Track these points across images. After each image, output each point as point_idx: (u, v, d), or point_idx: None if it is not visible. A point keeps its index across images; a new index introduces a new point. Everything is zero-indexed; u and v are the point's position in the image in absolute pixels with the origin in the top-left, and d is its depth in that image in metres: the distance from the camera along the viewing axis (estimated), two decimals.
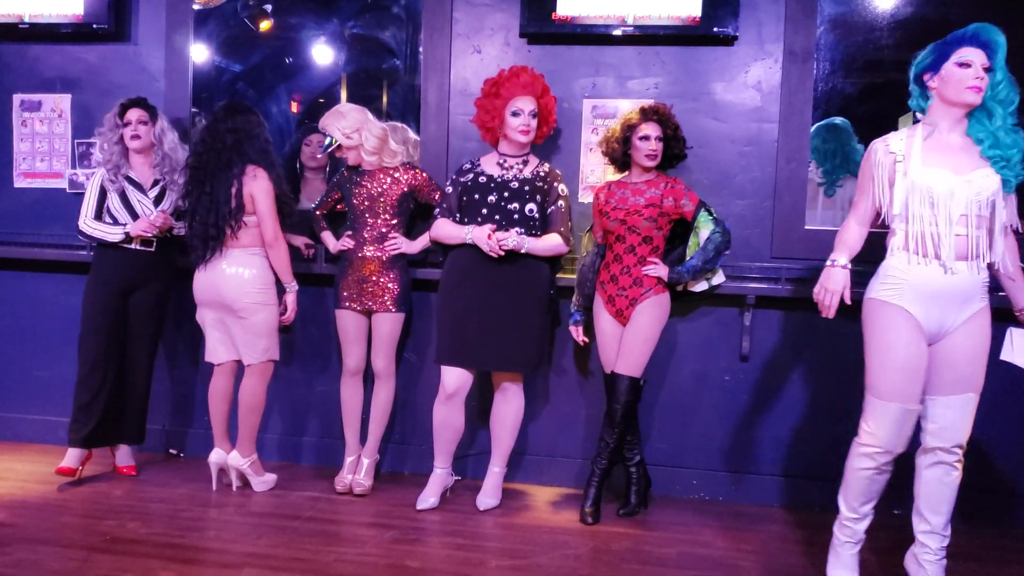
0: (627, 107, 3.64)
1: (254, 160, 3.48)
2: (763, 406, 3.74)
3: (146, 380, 3.81)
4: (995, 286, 2.80)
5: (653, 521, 3.49)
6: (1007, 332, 2.82)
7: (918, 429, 2.72)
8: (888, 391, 2.64)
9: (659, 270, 3.34)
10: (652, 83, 3.74)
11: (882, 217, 2.75)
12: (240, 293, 3.49)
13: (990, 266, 2.71)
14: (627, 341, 3.36)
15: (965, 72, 2.62)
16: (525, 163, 3.48)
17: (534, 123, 3.41)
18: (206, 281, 3.53)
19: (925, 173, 2.64)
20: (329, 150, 3.65)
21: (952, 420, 2.66)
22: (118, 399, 3.74)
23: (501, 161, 3.49)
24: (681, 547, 3.21)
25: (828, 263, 2.69)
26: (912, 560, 2.80)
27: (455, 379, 3.45)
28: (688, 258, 3.38)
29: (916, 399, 2.65)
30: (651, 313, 3.35)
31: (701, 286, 3.47)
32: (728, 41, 3.66)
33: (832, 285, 2.63)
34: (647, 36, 3.68)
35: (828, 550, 2.88)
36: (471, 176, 3.48)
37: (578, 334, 3.58)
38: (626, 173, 3.47)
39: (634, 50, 3.74)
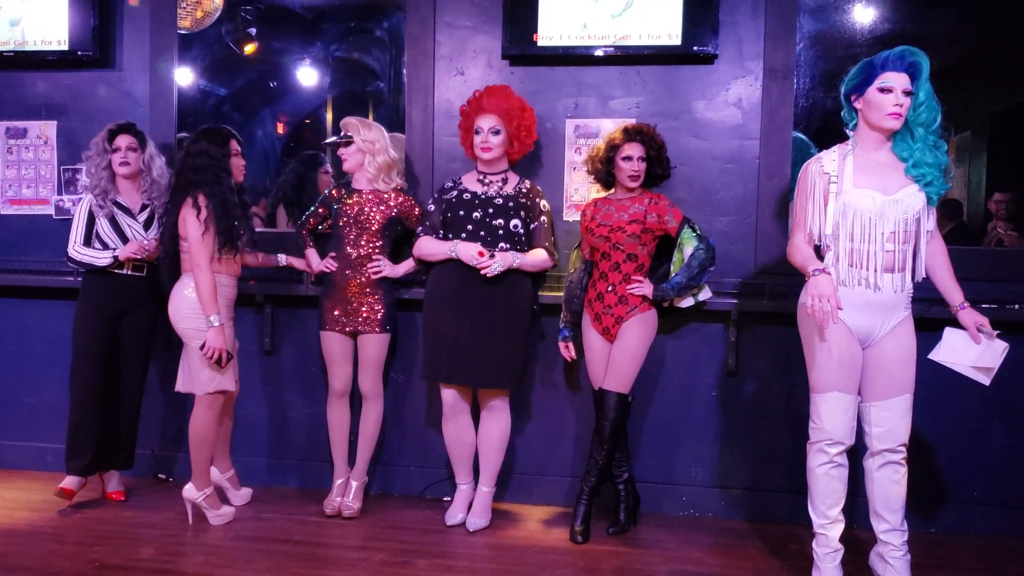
0: (609, 126, 3.67)
1: (201, 186, 3.36)
2: (750, 421, 3.75)
3: (137, 405, 3.81)
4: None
5: (643, 539, 3.49)
6: (944, 332, 2.94)
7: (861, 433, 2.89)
8: (826, 383, 2.82)
9: (644, 288, 3.36)
10: (634, 102, 3.77)
11: (817, 234, 2.87)
12: (179, 317, 3.41)
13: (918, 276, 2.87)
14: (615, 358, 3.38)
15: (886, 98, 2.74)
16: (505, 180, 3.53)
17: (494, 140, 3.45)
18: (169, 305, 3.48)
19: (857, 194, 2.77)
20: (335, 143, 3.61)
21: (894, 422, 2.83)
22: (111, 425, 3.74)
23: (481, 178, 3.54)
24: (672, 564, 3.21)
25: (810, 273, 2.73)
26: (877, 559, 2.94)
27: (451, 394, 3.52)
28: (673, 275, 3.40)
29: (852, 390, 2.82)
30: (637, 330, 3.37)
31: (687, 302, 3.49)
32: (708, 59, 3.70)
33: (823, 290, 2.66)
34: (628, 56, 3.71)
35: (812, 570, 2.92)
36: (454, 194, 3.52)
37: (567, 351, 3.59)
38: (612, 190, 3.49)
39: (616, 70, 3.77)
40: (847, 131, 2.91)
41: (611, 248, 3.40)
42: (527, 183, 3.56)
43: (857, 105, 2.82)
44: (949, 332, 2.92)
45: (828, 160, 2.84)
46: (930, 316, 3.23)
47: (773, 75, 3.68)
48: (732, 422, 3.76)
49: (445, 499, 3.84)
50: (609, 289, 3.41)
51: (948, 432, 3.62)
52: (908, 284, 2.82)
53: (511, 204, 3.47)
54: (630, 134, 3.37)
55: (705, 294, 3.50)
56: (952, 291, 2.91)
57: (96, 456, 3.68)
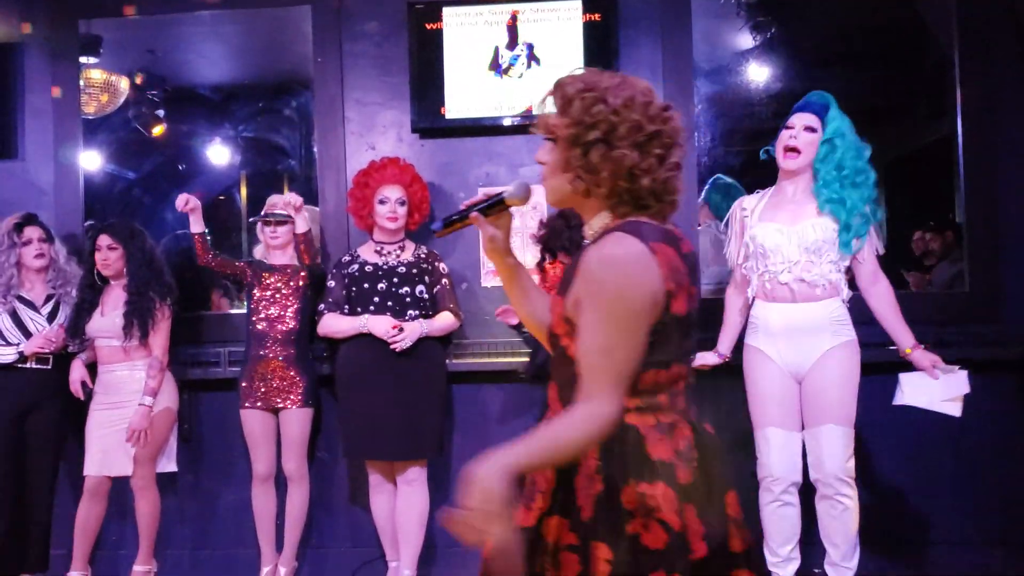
0: None
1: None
2: None
3: (48, 504, 3.65)
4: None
5: None
6: (899, 378, 2.92)
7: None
8: (762, 419, 2.88)
9: None
10: (541, 169, 3.83)
11: (737, 264, 3.00)
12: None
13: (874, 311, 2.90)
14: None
15: (784, 133, 2.86)
16: (402, 248, 3.55)
17: (401, 210, 3.50)
18: None
19: (760, 227, 2.88)
20: (273, 218, 3.60)
21: (818, 450, 2.82)
22: (19, 527, 3.56)
23: (378, 249, 3.55)
24: None
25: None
26: None
27: (377, 469, 3.48)
28: None
29: (786, 425, 2.85)
30: None
31: None
32: None
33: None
34: (535, 124, 3.78)
35: None
36: (356, 267, 3.52)
37: None
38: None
39: (523, 139, 3.85)
40: None
41: None
42: (423, 248, 3.60)
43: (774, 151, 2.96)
44: (904, 377, 2.89)
45: (750, 199, 3.00)
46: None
47: None
48: None
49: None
50: None
51: (908, 471, 3.64)
52: (829, 310, 2.83)
53: (414, 271, 3.50)
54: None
55: None
56: (900, 334, 2.88)
57: (1, 559, 3.50)
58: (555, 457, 1.41)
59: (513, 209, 1.66)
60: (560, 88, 1.51)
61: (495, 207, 1.62)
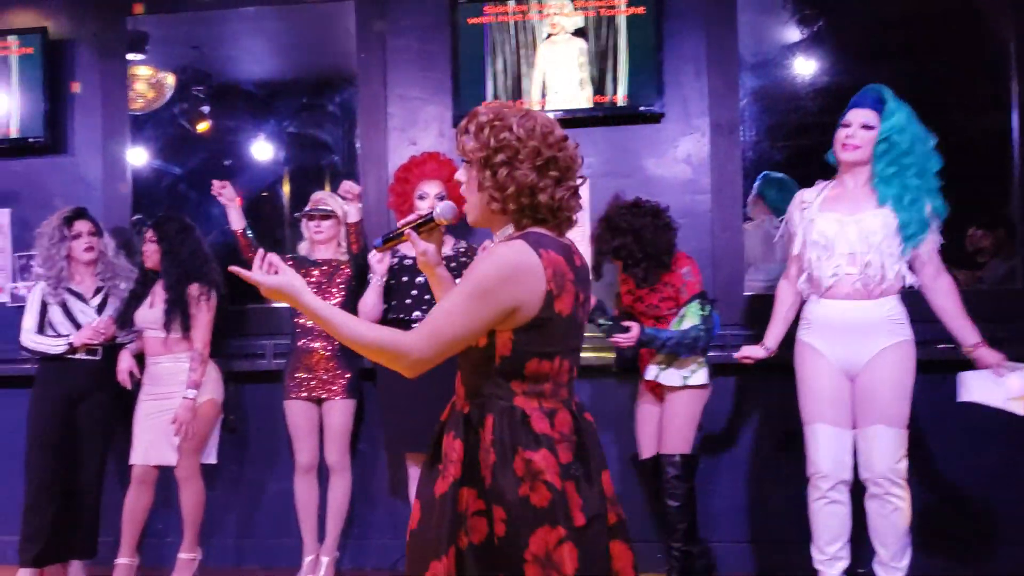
0: None
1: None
2: (723, 473, 3.74)
3: (97, 492, 3.73)
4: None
5: None
6: (958, 377, 2.89)
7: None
8: (810, 415, 2.84)
9: (633, 333, 3.13)
10: (585, 162, 3.81)
11: (795, 255, 2.97)
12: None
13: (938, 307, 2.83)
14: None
15: (842, 131, 2.85)
16: (442, 243, 3.53)
17: None
18: None
19: (820, 218, 2.84)
20: (316, 213, 3.67)
21: (868, 451, 2.79)
22: (69, 514, 3.65)
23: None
24: None
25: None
26: None
27: (416, 462, 3.50)
28: (669, 330, 3.20)
29: (837, 422, 2.81)
30: None
31: (673, 380, 3.24)
32: (655, 119, 3.78)
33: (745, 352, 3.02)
34: (576, 119, 3.78)
35: None
36: (395, 260, 3.54)
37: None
38: None
39: (566, 131, 3.82)
40: None
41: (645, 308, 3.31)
42: (463, 243, 3.61)
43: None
44: (966, 376, 2.84)
45: (809, 191, 2.96)
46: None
47: (719, 131, 3.76)
48: (705, 475, 3.72)
49: None
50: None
51: (967, 467, 3.58)
52: (886, 308, 2.78)
53: (452, 265, 3.49)
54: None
55: (697, 379, 3.23)
56: (963, 330, 2.81)
57: (52, 545, 3.58)
58: (343, 338, 1.68)
59: None
60: (475, 118, 1.75)
61: (426, 224, 1.85)
